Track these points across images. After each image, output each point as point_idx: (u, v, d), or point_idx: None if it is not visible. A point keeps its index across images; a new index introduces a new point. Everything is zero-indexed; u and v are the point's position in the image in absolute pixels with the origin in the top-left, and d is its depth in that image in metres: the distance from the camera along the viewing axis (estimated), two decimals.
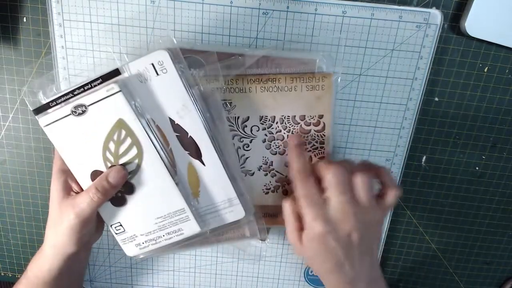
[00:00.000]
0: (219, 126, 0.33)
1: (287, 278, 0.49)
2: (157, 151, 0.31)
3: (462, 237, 0.47)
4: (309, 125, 0.34)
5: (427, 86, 0.40)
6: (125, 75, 0.30)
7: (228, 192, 0.34)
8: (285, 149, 0.36)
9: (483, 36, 0.37)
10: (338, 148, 0.42)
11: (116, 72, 0.30)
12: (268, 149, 0.36)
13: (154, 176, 0.32)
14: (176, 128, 0.32)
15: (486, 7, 0.36)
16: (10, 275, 0.51)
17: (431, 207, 0.46)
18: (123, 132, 0.31)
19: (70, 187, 0.33)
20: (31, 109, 0.31)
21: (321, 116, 0.34)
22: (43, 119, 0.31)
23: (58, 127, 0.31)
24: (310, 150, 0.34)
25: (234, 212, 0.35)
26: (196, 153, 0.32)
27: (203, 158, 0.33)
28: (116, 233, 0.35)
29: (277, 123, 0.35)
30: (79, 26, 0.38)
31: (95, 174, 0.33)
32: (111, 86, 0.29)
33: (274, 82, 0.33)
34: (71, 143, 0.32)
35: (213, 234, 0.36)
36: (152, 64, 0.30)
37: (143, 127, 0.31)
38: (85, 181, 0.33)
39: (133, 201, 0.33)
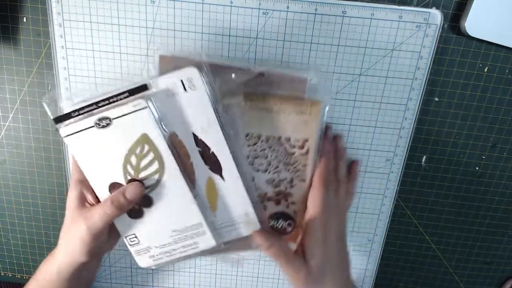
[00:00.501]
0: (237, 141, 0.33)
1: (287, 278, 0.49)
2: (179, 167, 0.31)
3: (462, 237, 0.47)
4: (293, 147, 0.34)
5: (427, 86, 0.40)
6: (152, 90, 0.30)
7: (245, 206, 0.34)
8: (267, 167, 0.36)
9: (483, 36, 0.37)
10: None
11: (143, 87, 0.30)
12: (251, 165, 0.36)
13: (173, 191, 0.32)
14: (199, 143, 0.32)
15: (486, 7, 0.36)
16: (10, 275, 0.51)
17: (431, 207, 0.46)
18: (146, 147, 0.30)
19: (85, 198, 0.33)
20: (51, 118, 0.31)
21: (306, 140, 0.34)
22: (64, 130, 0.30)
23: (80, 138, 0.30)
24: (292, 171, 0.34)
25: (250, 225, 0.35)
26: (217, 168, 0.32)
27: (223, 173, 0.33)
28: (130, 244, 0.34)
29: (262, 141, 0.35)
30: (79, 26, 0.38)
31: (113, 186, 0.32)
32: (138, 102, 0.29)
33: (264, 102, 0.33)
34: (92, 154, 0.31)
35: (226, 246, 0.36)
36: (181, 80, 0.30)
37: (167, 143, 0.30)
38: (103, 193, 0.32)
39: (150, 214, 0.33)
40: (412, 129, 0.41)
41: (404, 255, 0.48)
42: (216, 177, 0.33)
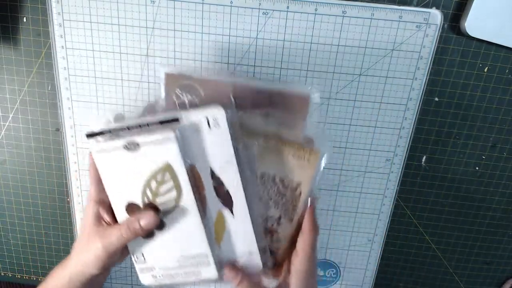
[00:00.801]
0: (251, 179, 0.34)
1: None
2: (195, 198, 0.32)
3: (462, 237, 0.47)
4: (286, 188, 0.35)
5: (427, 86, 0.40)
6: (181, 123, 0.31)
7: (251, 245, 0.35)
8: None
9: (483, 36, 0.37)
10: (338, 148, 0.42)
11: (174, 120, 0.31)
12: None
13: (186, 219, 0.33)
14: (215, 178, 0.33)
15: (486, 7, 0.36)
16: (10, 275, 0.51)
17: (431, 207, 0.46)
18: (168, 175, 0.32)
19: (101, 216, 0.34)
20: (85, 133, 0.32)
21: (299, 183, 0.35)
22: (95, 146, 0.32)
23: (107, 157, 0.32)
24: (281, 210, 0.35)
25: (252, 263, 0.35)
26: (228, 203, 0.34)
27: (233, 209, 0.34)
28: (136, 261, 0.36)
29: (256, 177, 0.36)
30: (79, 26, 0.38)
31: (130, 207, 0.33)
32: (167, 133, 0.30)
33: (265, 140, 0.34)
34: (116, 173, 0.32)
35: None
36: (207, 118, 0.31)
37: (187, 174, 0.32)
38: (120, 211, 0.34)
39: (160, 237, 0.34)
40: (412, 129, 0.41)
41: (404, 255, 0.48)
42: (226, 211, 0.34)
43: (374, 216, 0.45)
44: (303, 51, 0.39)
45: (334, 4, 0.37)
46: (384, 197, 0.44)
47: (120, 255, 0.35)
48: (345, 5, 0.37)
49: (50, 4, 0.37)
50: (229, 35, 0.38)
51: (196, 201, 0.32)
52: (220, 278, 0.35)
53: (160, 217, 0.33)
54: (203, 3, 0.37)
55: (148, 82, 0.40)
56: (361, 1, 0.37)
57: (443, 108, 0.41)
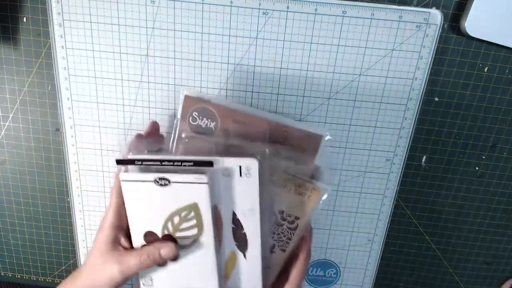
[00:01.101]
0: (268, 224, 0.35)
1: None
2: (214, 239, 0.33)
3: (462, 237, 0.47)
4: (284, 220, 0.36)
5: (427, 86, 0.40)
6: (216, 166, 0.32)
7: (255, 284, 0.36)
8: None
9: (483, 36, 0.37)
10: (338, 148, 0.42)
11: (209, 163, 0.31)
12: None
13: (201, 256, 0.34)
14: (235, 221, 0.34)
15: (486, 7, 0.36)
16: (10, 275, 0.51)
17: (431, 207, 0.46)
18: (192, 213, 0.32)
19: (119, 241, 0.34)
20: (115, 159, 0.32)
21: (297, 218, 0.35)
22: (124, 175, 0.32)
23: (135, 186, 0.32)
24: (276, 240, 0.36)
25: None
26: (243, 248, 0.34)
27: (247, 253, 0.35)
28: (144, 284, 0.36)
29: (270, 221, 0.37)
30: (79, 26, 0.38)
31: (149, 235, 0.34)
32: (201, 177, 0.31)
33: (271, 174, 0.34)
34: (141, 202, 0.33)
35: None
36: (240, 167, 0.32)
37: (210, 216, 0.32)
38: (138, 238, 0.34)
39: (172, 267, 0.35)
40: (412, 129, 0.41)
41: (404, 255, 0.48)
42: (239, 253, 0.35)
43: (374, 216, 0.45)
44: (303, 51, 0.39)
45: (334, 4, 0.37)
46: (384, 197, 0.44)
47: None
48: (345, 5, 0.37)
49: (50, 4, 0.37)
50: (229, 35, 0.38)
51: (216, 243, 0.33)
52: None
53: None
54: (203, 3, 0.37)
55: (148, 82, 0.40)
56: (361, 1, 0.37)
57: (443, 108, 0.41)
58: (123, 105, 0.41)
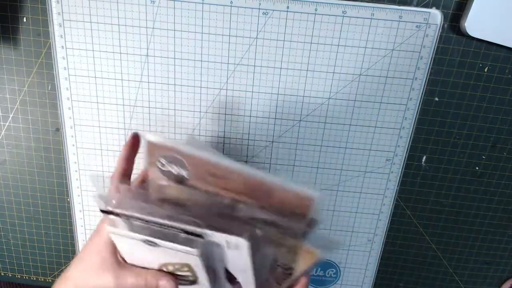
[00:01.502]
0: (260, 278, 0.34)
1: None
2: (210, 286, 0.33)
3: (462, 237, 0.47)
4: (278, 266, 0.35)
5: (427, 86, 0.40)
6: (206, 239, 0.30)
7: None
8: None
9: (483, 36, 0.37)
10: (338, 148, 0.42)
11: (199, 235, 0.30)
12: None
13: None
14: (229, 274, 0.33)
15: (486, 7, 0.36)
16: (10, 275, 0.51)
17: (431, 207, 0.46)
18: (186, 268, 0.32)
19: (117, 251, 0.34)
20: (100, 208, 0.31)
21: (292, 268, 0.34)
22: (111, 229, 0.31)
23: (125, 239, 0.31)
24: (271, 280, 0.35)
25: None
26: None
27: None
28: None
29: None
30: (79, 26, 0.38)
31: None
32: (192, 251, 0.30)
33: (263, 231, 0.32)
34: (132, 250, 0.32)
35: None
36: (228, 242, 0.30)
37: (205, 275, 0.32)
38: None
39: None
40: (412, 129, 0.41)
41: (404, 255, 0.48)
42: None
43: (374, 216, 0.45)
44: (303, 51, 0.39)
45: (334, 4, 0.37)
46: (384, 197, 0.44)
47: None
48: (345, 5, 0.37)
49: (50, 4, 0.37)
50: (229, 35, 0.38)
51: None
52: None
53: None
54: (203, 3, 0.37)
55: (148, 82, 0.40)
56: (361, 1, 0.37)
57: (443, 108, 0.41)
58: (123, 105, 0.41)
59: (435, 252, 0.48)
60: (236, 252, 0.31)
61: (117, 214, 0.30)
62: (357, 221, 0.45)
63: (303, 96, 0.40)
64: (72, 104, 0.41)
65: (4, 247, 0.49)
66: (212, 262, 0.33)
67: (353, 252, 0.47)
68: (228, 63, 0.39)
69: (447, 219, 0.46)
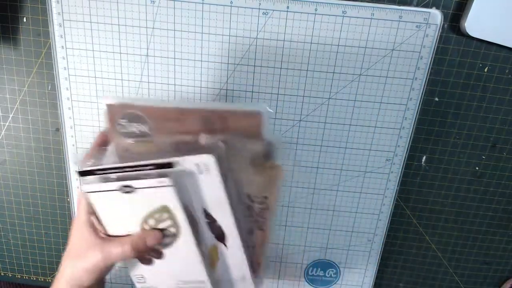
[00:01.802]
0: (239, 211, 0.35)
1: (287, 278, 0.49)
2: (192, 235, 0.33)
3: (462, 237, 0.47)
4: (253, 202, 0.36)
5: (427, 86, 0.40)
6: (176, 167, 0.32)
7: (243, 271, 0.36)
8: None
9: (483, 36, 0.37)
10: (338, 148, 0.42)
11: (168, 165, 0.31)
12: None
13: (184, 251, 0.34)
14: (208, 216, 0.34)
15: (486, 7, 0.36)
16: (10, 275, 0.51)
17: (431, 207, 0.46)
18: (165, 215, 0.33)
19: (97, 229, 0.34)
20: (77, 171, 0.32)
21: (265, 197, 0.36)
22: (87, 187, 0.32)
23: (102, 196, 0.32)
24: (252, 221, 0.36)
25: (246, 286, 0.37)
26: (221, 239, 0.35)
27: (226, 242, 0.35)
28: (138, 282, 0.37)
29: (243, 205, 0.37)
30: (79, 26, 0.38)
31: None
32: (164, 180, 0.31)
33: (229, 163, 0.34)
34: (111, 211, 0.33)
35: None
36: (197, 164, 0.32)
37: (184, 214, 0.32)
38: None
39: (160, 264, 0.35)
40: (412, 129, 0.41)
41: (404, 255, 0.48)
42: (219, 244, 0.35)
43: (374, 216, 0.45)
44: (303, 51, 0.39)
45: (334, 4, 0.37)
46: (384, 197, 0.44)
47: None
48: (345, 5, 0.37)
49: (50, 4, 0.37)
50: (229, 35, 0.38)
51: (195, 238, 0.33)
52: None
53: (159, 248, 0.34)
54: (203, 3, 0.37)
55: (148, 82, 0.40)
56: (361, 1, 0.37)
57: (443, 108, 0.41)
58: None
59: (435, 252, 0.48)
60: (208, 178, 0.32)
61: (93, 172, 0.31)
62: (357, 221, 0.45)
63: (303, 96, 0.40)
64: (72, 104, 0.41)
65: (4, 247, 0.49)
66: (189, 201, 0.33)
67: (353, 252, 0.47)
68: (228, 63, 0.39)
69: (447, 219, 0.46)
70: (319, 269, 0.48)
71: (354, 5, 0.37)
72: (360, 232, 0.46)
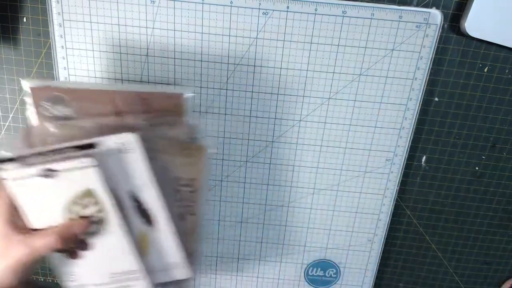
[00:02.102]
0: (171, 194, 0.35)
1: (287, 278, 0.49)
2: (119, 220, 0.33)
3: (462, 237, 0.47)
4: (181, 185, 0.36)
5: (427, 86, 0.40)
6: (98, 148, 0.31)
7: (176, 256, 0.36)
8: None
9: (483, 36, 0.37)
10: (338, 148, 0.42)
11: (90, 145, 0.31)
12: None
13: (112, 240, 0.33)
14: (136, 200, 0.33)
15: (486, 7, 0.36)
16: None
17: (431, 207, 0.46)
18: (90, 199, 0.32)
19: (17, 223, 0.32)
20: None
21: (193, 180, 0.36)
22: (5, 173, 0.30)
23: (22, 183, 0.31)
24: (182, 206, 0.36)
25: (178, 273, 0.37)
26: (150, 222, 0.34)
27: (155, 226, 0.34)
28: (68, 280, 0.35)
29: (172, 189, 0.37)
30: (79, 26, 0.38)
31: None
32: (86, 160, 0.30)
33: (153, 144, 0.34)
34: (34, 199, 0.32)
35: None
36: (122, 143, 0.32)
37: (109, 198, 0.32)
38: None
39: (88, 257, 0.34)
40: (412, 129, 0.41)
41: (404, 255, 0.48)
42: (149, 229, 0.35)
43: (374, 216, 0.45)
44: (303, 51, 0.39)
45: (334, 4, 0.37)
46: (384, 197, 0.44)
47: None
48: (345, 5, 0.37)
49: (50, 4, 0.37)
50: (229, 35, 0.38)
51: (122, 224, 0.33)
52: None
53: (85, 238, 0.33)
54: (203, 3, 0.37)
55: (148, 82, 0.40)
56: (361, 1, 0.37)
57: (443, 108, 0.41)
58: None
59: (435, 252, 0.48)
60: (132, 158, 0.32)
61: (13, 159, 0.30)
62: (357, 221, 0.45)
63: (303, 96, 0.40)
64: None
65: None
66: (115, 184, 0.32)
67: (353, 252, 0.47)
68: (228, 63, 0.39)
69: (447, 219, 0.46)
70: (319, 269, 0.48)
71: (354, 5, 0.37)
72: (360, 232, 0.46)
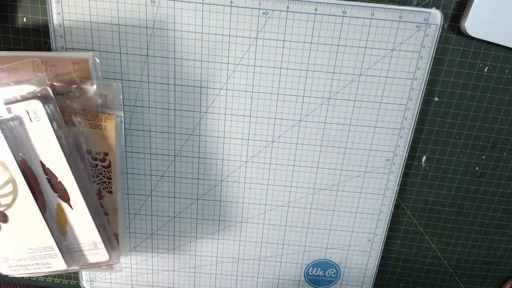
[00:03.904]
0: (83, 170, 0.34)
1: (287, 278, 0.49)
2: (30, 192, 0.32)
3: (462, 237, 0.47)
4: (95, 160, 0.35)
5: (427, 86, 0.40)
6: (3, 116, 0.31)
7: (93, 236, 0.35)
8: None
9: (483, 36, 0.37)
10: (338, 148, 0.42)
11: None
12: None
13: (26, 213, 0.33)
14: (47, 171, 0.33)
15: (486, 7, 0.36)
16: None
17: (431, 207, 0.46)
18: (0, 168, 0.31)
19: None
20: None
21: (106, 154, 0.34)
22: None
23: None
24: (98, 183, 0.35)
25: (99, 254, 0.36)
26: (65, 197, 0.33)
27: (71, 202, 0.33)
28: None
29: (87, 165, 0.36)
30: (79, 26, 0.38)
31: None
32: None
33: (62, 113, 0.33)
34: None
35: (81, 268, 0.37)
36: (27, 111, 0.31)
37: (19, 168, 0.31)
38: None
39: (7, 230, 0.34)
40: (412, 129, 0.41)
41: (404, 255, 0.48)
42: (65, 205, 0.34)
43: (374, 216, 0.45)
44: (303, 51, 0.39)
45: (334, 4, 0.37)
46: (384, 197, 0.44)
47: None
48: (345, 5, 0.37)
49: (50, 4, 0.37)
50: (229, 35, 0.38)
51: (34, 195, 0.32)
52: (71, 269, 0.36)
53: (2, 210, 0.32)
54: (203, 3, 0.37)
55: (148, 82, 0.40)
56: (361, 1, 0.37)
57: (443, 108, 0.41)
58: (123, 105, 0.41)
59: (435, 252, 0.48)
60: (39, 126, 0.31)
61: None
62: (357, 221, 0.46)
63: (303, 96, 0.40)
64: None
65: None
66: (24, 153, 0.31)
67: (353, 252, 0.47)
68: (228, 63, 0.39)
69: (447, 219, 0.46)
70: (319, 269, 0.48)
71: (354, 5, 0.37)
72: (360, 232, 0.46)
